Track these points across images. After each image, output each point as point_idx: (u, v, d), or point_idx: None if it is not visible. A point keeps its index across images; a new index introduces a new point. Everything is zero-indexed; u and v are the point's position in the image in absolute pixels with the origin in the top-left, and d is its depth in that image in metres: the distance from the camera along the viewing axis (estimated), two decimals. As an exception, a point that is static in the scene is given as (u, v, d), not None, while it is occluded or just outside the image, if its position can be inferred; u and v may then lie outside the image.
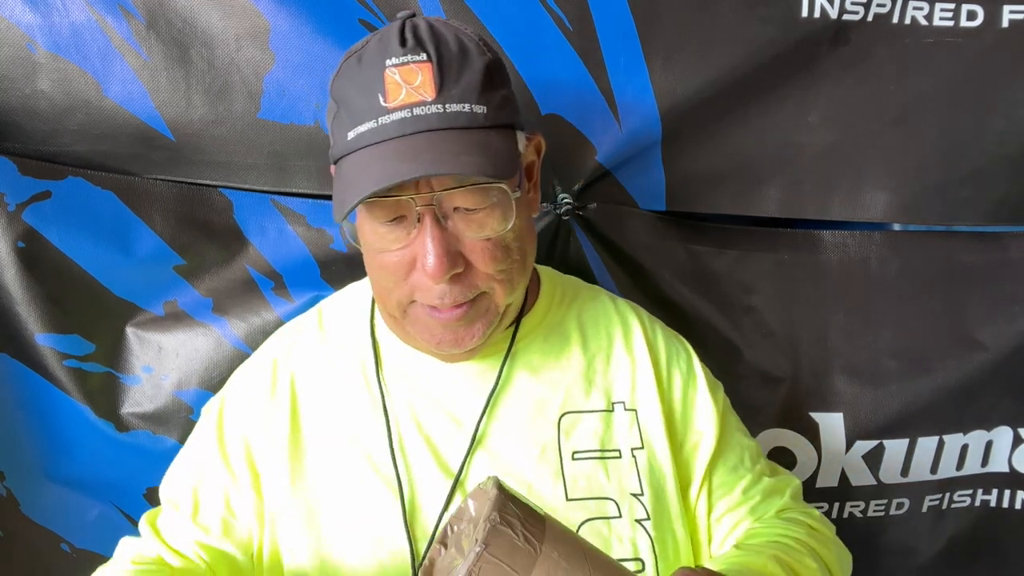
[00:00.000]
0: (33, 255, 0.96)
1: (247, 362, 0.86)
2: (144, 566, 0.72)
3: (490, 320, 0.73)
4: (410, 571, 0.72)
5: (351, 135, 0.66)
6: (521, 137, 0.72)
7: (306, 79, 0.93)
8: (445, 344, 0.72)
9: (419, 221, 0.66)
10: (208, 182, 0.98)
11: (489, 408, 0.77)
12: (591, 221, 1.02)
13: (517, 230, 0.70)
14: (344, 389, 0.79)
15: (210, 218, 0.99)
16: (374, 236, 0.69)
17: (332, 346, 0.82)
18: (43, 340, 0.98)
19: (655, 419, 0.80)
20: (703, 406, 0.83)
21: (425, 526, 0.74)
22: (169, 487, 0.80)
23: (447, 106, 0.64)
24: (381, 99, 0.65)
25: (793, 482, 0.87)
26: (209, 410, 0.83)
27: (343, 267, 0.98)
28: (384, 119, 0.64)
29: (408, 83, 0.64)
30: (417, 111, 0.64)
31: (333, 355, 0.81)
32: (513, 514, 0.55)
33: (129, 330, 1.01)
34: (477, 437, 0.76)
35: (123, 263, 0.98)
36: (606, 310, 0.86)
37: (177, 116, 0.94)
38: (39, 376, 1.00)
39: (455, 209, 0.67)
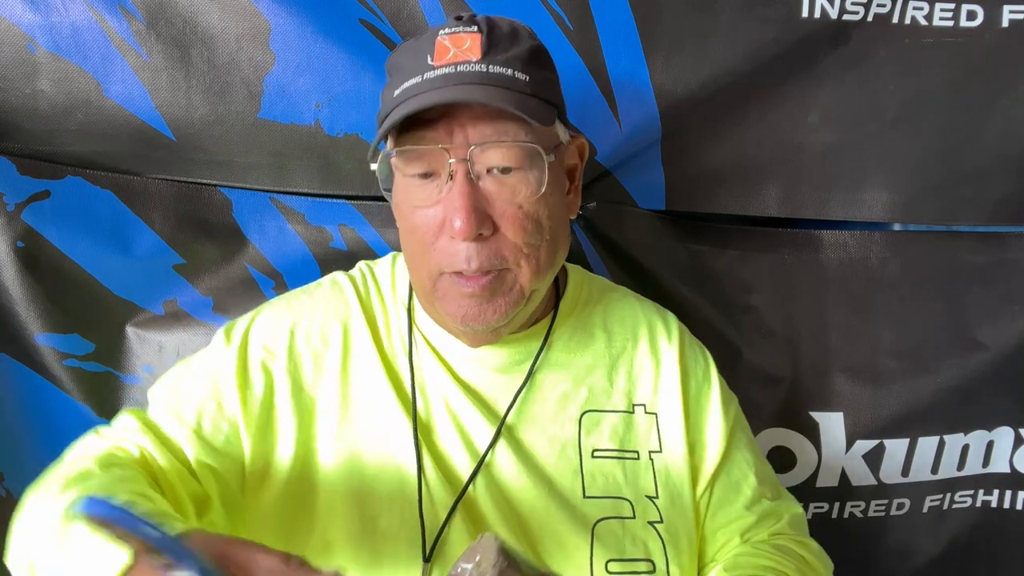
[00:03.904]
0: (32, 255, 0.96)
1: (282, 297, 0.83)
2: (120, 470, 0.65)
3: (514, 300, 0.72)
4: (419, 543, 0.72)
5: (397, 92, 0.68)
6: (563, 130, 0.73)
7: (306, 79, 0.94)
8: (469, 318, 0.72)
9: (451, 178, 0.67)
10: (208, 181, 0.98)
11: (517, 403, 0.78)
12: (591, 220, 1.02)
13: (550, 209, 0.70)
14: (385, 351, 0.79)
15: (209, 217, 0.99)
16: (405, 192, 0.70)
17: (376, 306, 0.82)
18: (43, 340, 0.98)
19: (675, 424, 0.80)
20: (713, 418, 0.82)
21: (444, 500, 0.73)
22: (171, 392, 0.75)
23: (491, 67, 0.67)
24: (429, 59, 0.68)
25: (794, 509, 0.85)
26: (233, 332, 0.78)
27: (344, 265, 0.98)
28: (429, 74, 0.67)
29: (457, 47, 0.67)
30: (461, 68, 0.67)
31: (378, 314, 0.81)
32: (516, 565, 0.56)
33: (129, 329, 1.01)
34: (504, 428, 0.76)
35: (123, 262, 0.98)
36: (633, 312, 0.85)
37: (177, 116, 0.94)
38: (39, 376, 1.00)
39: (488, 171, 0.68)
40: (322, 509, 0.73)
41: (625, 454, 0.78)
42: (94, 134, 0.95)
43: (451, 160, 0.66)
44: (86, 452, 0.69)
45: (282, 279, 1.01)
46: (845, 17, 0.97)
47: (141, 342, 1.01)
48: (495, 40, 0.68)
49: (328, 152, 0.96)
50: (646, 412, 0.81)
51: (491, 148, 0.66)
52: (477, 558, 0.56)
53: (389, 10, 0.94)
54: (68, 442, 1.03)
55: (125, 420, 0.73)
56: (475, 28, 0.68)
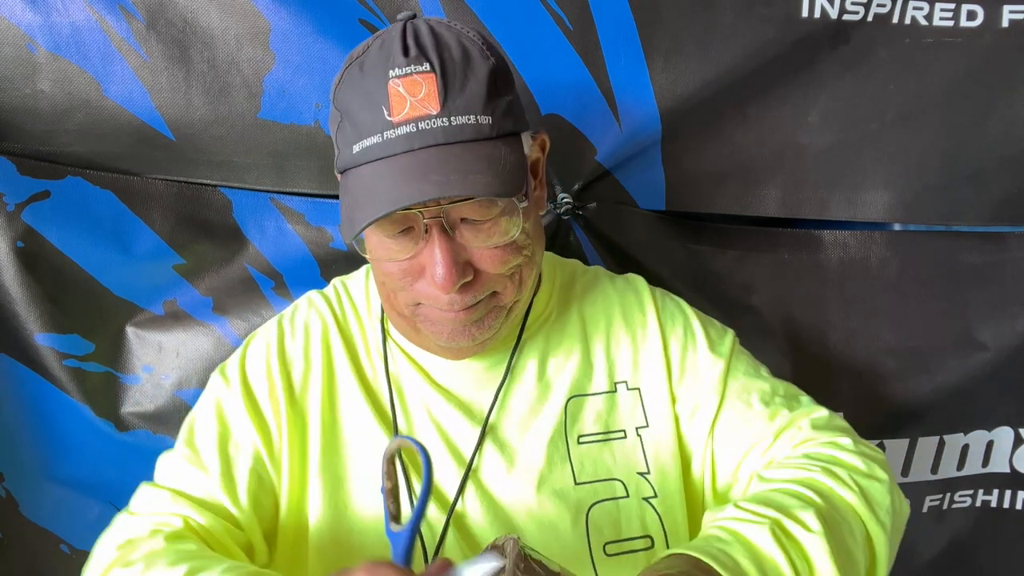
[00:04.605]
0: (32, 255, 0.96)
1: (266, 326, 0.83)
2: (183, 544, 0.67)
3: (498, 315, 0.73)
4: (421, 556, 0.73)
5: (357, 148, 0.66)
6: (526, 138, 0.71)
7: (306, 79, 0.94)
8: (455, 337, 0.72)
9: (427, 232, 0.66)
10: (208, 181, 0.98)
11: (499, 400, 0.78)
12: (591, 221, 1.02)
13: (527, 231, 0.70)
14: (363, 369, 0.80)
15: (209, 217, 0.99)
16: (382, 248, 0.69)
17: (352, 324, 0.82)
18: (42, 340, 0.98)
19: (660, 396, 0.80)
20: (705, 365, 0.81)
21: (437, 511, 0.74)
22: (188, 449, 0.76)
23: (452, 119, 0.64)
24: (385, 112, 0.64)
25: (814, 412, 0.79)
26: (228, 370, 0.80)
27: (343, 265, 0.98)
28: (390, 134, 0.64)
29: (412, 95, 0.64)
30: (423, 125, 0.64)
31: (355, 333, 0.82)
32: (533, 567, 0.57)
33: (129, 330, 1.01)
34: (487, 428, 0.77)
35: (122, 262, 0.98)
36: (604, 291, 0.85)
37: (177, 116, 0.94)
38: (39, 376, 1.00)
39: (462, 220, 0.67)
40: (321, 530, 0.75)
41: (611, 435, 0.79)
42: (94, 134, 0.95)
43: (425, 221, 0.65)
44: (136, 532, 0.70)
45: (282, 279, 1.01)
46: (845, 17, 0.96)
47: (141, 342, 1.01)
48: (450, 77, 0.64)
49: (328, 152, 0.95)
50: (628, 388, 0.80)
51: (464, 205, 0.65)
52: (496, 560, 0.57)
53: (389, 10, 0.94)
54: (68, 442, 1.04)
55: (152, 494, 0.74)
56: (427, 67, 0.64)
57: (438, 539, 0.73)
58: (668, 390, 0.80)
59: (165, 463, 0.77)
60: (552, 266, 0.87)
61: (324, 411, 0.77)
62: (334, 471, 0.76)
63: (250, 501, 0.73)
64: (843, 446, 0.74)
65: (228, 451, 0.75)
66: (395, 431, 0.77)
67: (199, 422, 0.77)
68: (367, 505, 0.75)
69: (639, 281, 0.87)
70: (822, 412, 0.79)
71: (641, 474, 0.78)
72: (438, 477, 0.76)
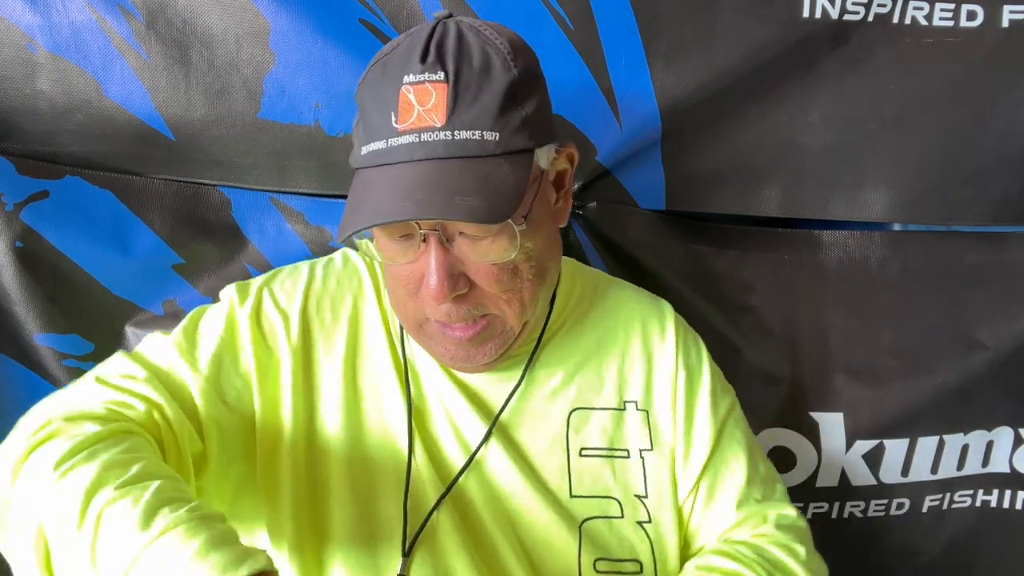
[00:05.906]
0: (31, 255, 0.95)
1: (298, 268, 0.83)
2: (131, 440, 0.62)
3: (504, 340, 0.73)
4: (400, 537, 0.72)
5: (364, 151, 0.66)
6: (547, 152, 0.70)
7: (306, 79, 0.93)
8: (458, 360, 0.73)
9: (424, 241, 0.66)
10: (208, 181, 0.98)
11: (509, 401, 0.78)
12: (591, 220, 1.02)
13: (529, 251, 0.69)
14: (391, 330, 0.80)
15: (209, 217, 0.99)
16: (387, 250, 0.70)
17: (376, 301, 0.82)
18: (42, 340, 0.98)
19: (667, 422, 0.80)
20: (701, 411, 0.81)
21: (432, 492, 0.74)
22: (187, 340, 0.74)
23: (455, 133, 0.63)
24: (393, 118, 0.64)
25: (782, 510, 0.81)
26: (251, 290, 0.78)
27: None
28: (394, 141, 0.64)
29: (421, 104, 0.64)
30: (425, 136, 0.63)
31: (385, 296, 0.81)
32: None
33: (128, 330, 1.01)
34: (496, 425, 0.77)
35: (122, 262, 0.98)
36: (627, 306, 0.85)
37: (177, 116, 0.94)
38: (38, 376, 0.99)
39: (460, 233, 0.67)
40: (325, 485, 0.73)
41: (614, 452, 0.78)
42: (94, 134, 0.94)
43: (422, 231, 0.66)
44: (92, 407, 0.66)
45: (282, 279, 1.01)
46: (845, 17, 0.96)
47: (140, 343, 1.01)
48: (462, 90, 0.63)
49: (328, 152, 0.96)
50: (637, 409, 0.80)
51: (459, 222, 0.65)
52: None
53: (389, 10, 0.94)
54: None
55: (128, 367, 0.70)
56: (441, 75, 0.63)
57: (427, 514, 0.72)
58: (672, 419, 0.80)
59: (156, 343, 0.74)
60: (572, 274, 0.86)
61: (347, 362, 0.76)
62: (355, 420, 0.75)
63: (224, 416, 0.71)
64: (796, 554, 0.77)
65: (222, 362, 0.73)
66: (408, 406, 0.76)
67: (205, 323, 0.75)
68: (382, 455, 0.74)
69: (667, 306, 0.86)
70: (790, 511, 0.82)
71: (638, 497, 0.77)
72: (444, 456, 0.76)
